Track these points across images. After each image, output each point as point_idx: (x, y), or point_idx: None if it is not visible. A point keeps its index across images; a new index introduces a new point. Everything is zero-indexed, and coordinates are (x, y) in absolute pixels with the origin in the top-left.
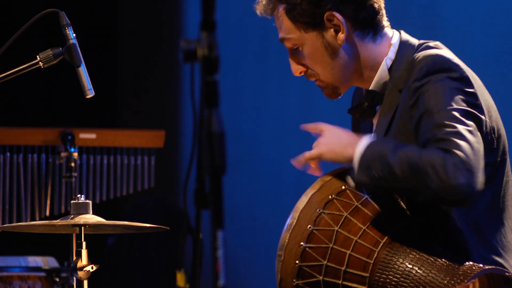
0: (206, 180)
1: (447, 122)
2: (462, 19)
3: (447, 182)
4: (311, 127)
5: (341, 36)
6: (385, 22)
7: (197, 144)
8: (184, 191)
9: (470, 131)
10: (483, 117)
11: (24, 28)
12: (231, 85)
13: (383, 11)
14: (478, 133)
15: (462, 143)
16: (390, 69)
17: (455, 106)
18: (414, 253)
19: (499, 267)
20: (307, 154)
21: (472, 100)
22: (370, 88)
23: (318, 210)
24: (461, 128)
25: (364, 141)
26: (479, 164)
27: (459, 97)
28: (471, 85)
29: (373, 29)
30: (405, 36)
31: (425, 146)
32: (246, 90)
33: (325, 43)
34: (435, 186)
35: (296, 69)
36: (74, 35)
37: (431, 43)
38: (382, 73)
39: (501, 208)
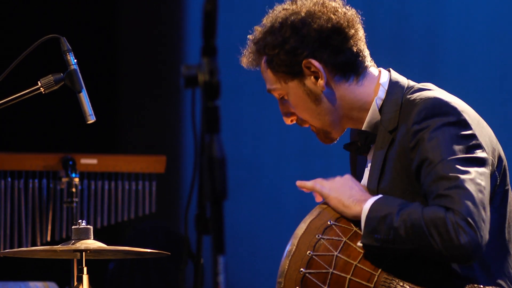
0: (207, 205)
1: (449, 174)
2: (462, 44)
3: (450, 243)
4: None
5: (321, 82)
6: (368, 62)
7: (198, 170)
8: (185, 217)
9: (471, 180)
10: (484, 155)
11: (26, 53)
12: (232, 111)
13: (365, 52)
14: (481, 178)
15: (463, 198)
16: (380, 109)
17: (455, 156)
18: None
19: None
20: (312, 183)
21: (472, 141)
22: (363, 128)
23: (317, 236)
24: (462, 178)
25: (370, 201)
26: (483, 217)
27: (458, 145)
28: (469, 127)
29: (354, 72)
30: (395, 76)
31: (428, 200)
32: (247, 116)
33: (307, 91)
34: (439, 247)
35: (287, 118)
36: (75, 60)
37: (422, 85)
38: (373, 113)
39: (507, 239)
